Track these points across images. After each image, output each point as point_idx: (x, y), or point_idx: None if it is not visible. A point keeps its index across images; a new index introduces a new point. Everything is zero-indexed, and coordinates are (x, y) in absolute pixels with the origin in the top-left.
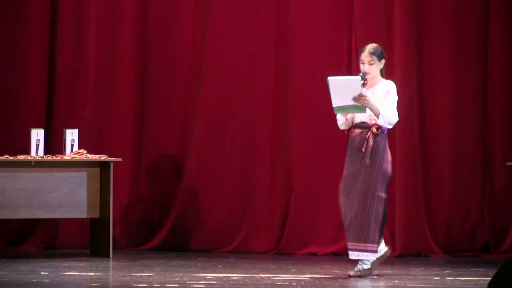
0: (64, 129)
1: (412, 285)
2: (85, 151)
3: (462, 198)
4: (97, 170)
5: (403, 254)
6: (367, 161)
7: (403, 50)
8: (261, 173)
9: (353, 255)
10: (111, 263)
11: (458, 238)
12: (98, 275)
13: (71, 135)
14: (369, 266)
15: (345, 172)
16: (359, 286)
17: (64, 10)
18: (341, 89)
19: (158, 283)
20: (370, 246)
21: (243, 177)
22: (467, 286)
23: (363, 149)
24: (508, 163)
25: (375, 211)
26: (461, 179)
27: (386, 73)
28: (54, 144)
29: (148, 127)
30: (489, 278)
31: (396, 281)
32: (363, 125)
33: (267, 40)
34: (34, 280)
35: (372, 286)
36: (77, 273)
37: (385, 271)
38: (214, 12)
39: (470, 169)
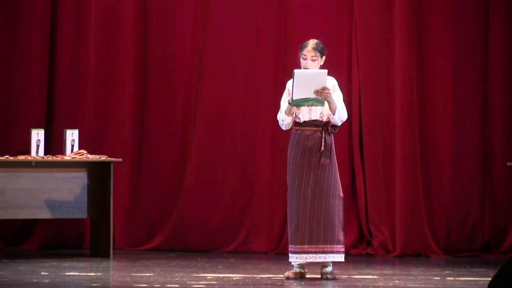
0: (64, 129)
1: (412, 285)
2: (85, 151)
3: (462, 198)
4: (97, 170)
5: (403, 254)
6: (327, 160)
7: (403, 50)
8: (261, 173)
9: (319, 257)
10: (111, 263)
11: (458, 238)
12: (98, 275)
13: (72, 135)
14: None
15: (294, 172)
16: (359, 286)
17: (64, 10)
18: (305, 81)
19: (158, 283)
20: (336, 247)
21: (243, 177)
22: (467, 286)
23: (322, 148)
24: (508, 163)
25: (337, 210)
26: (461, 179)
27: (386, 73)
28: (54, 144)
29: (148, 127)
30: (489, 278)
31: (396, 281)
32: (315, 123)
33: (267, 40)
34: (34, 280)
35: (372, 286)
36: (77, 273)
37: (385, 271)
38: (214, 12)
39: (470, 169)
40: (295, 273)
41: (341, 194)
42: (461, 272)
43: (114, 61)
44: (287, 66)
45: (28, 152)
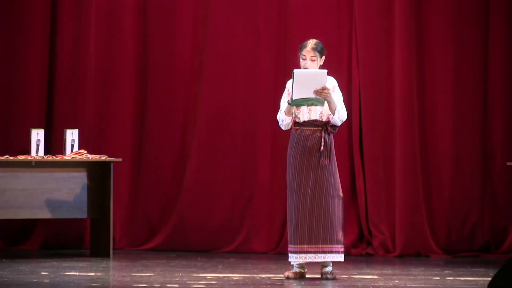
0: (64, 129)
1: (412, 285)
2: (85, 151)
3: (462, 198)
4: (97, 170)
5: (403, 254)
6: (327, 160)
7: (403, 50)
8: (261, 173)
9: (318, 257)
10: (111, 263)
11: (458, 238)
12: (98, 275)
13: (71, 135)
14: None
15: (293, 171)
16: (359, 286)
17: (64, 10)
18: (305, 81)
19: (158, 283)
20: (335, 247)
21: (243, 177)
22: (467, 286)
23: (322, 148)
24: (508, 163)
25: (337, 210)
26: (461, 179)
27: (386, 73)
28: (54, 144)
29: (148, 127)
30: (489, 278)
31: (396, 281)
32: (315, 123)
33: (267, 40)
34: (34, 280)
35: (372, 286)
36: (77, 273)
37: (385, 271)
38: (214, 12)
39: (470, 169)
40: (295, 273)
41: (341, 194)
42: (461, 272)
43: (114, 61)
44: (287, 66)
45: (28, 152)
